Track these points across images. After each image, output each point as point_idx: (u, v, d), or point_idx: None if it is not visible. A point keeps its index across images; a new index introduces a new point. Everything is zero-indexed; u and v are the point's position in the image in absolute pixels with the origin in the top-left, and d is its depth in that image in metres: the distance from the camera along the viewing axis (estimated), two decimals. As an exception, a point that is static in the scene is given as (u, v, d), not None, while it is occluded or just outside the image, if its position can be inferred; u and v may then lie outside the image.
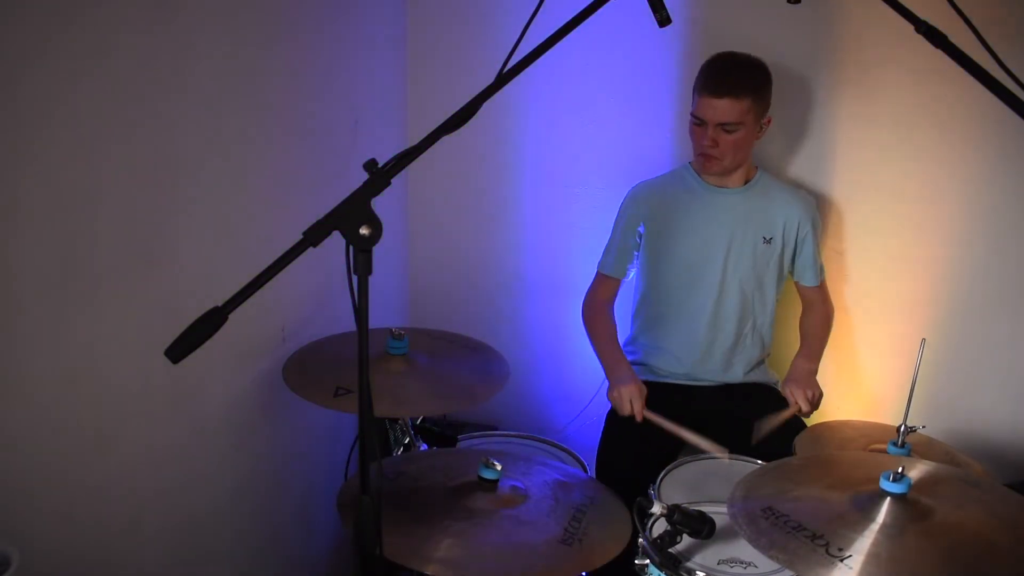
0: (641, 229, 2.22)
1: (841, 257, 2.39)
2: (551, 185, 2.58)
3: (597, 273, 2.30)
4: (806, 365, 2.18)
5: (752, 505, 1.37)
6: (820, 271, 2.27)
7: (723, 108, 2.03)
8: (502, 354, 1.95)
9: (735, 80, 2.05)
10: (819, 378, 2.18)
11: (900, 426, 1.67)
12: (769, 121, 2.12)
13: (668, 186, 2.23)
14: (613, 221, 2.29)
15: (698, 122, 2.08)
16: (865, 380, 2.42)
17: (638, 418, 2.04)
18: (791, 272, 2.26)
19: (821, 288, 2.29)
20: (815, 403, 2.07)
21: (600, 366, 2.21)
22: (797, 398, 2.06)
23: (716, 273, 2.18)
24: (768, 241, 2.18)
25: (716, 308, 2.19)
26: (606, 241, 2.29)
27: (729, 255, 2.17)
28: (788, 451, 1.82)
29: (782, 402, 2.16)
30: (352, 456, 2.14)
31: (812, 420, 2.09)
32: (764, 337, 2.27)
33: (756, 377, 2.26)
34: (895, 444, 1.67)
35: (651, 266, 2.24)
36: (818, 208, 2.25)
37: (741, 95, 2.03)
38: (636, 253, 2.26)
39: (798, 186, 2.32)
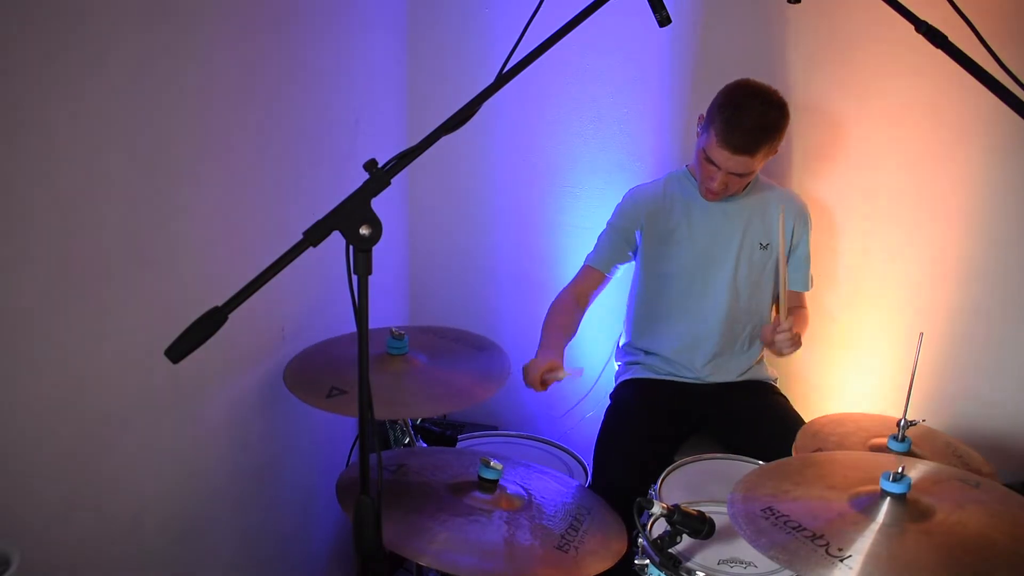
0: (638, 234, 2.21)
1: (839, 256, 2.39)
2: (551, 185, 2.58)
3: (584, 265, 2.27)
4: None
5: (752, 505, 1.37)
6: (809, 280, 2.26)
7: (740, 162, 2.00)
8: (503, 349, 1.94)
9: (757, 137, 1.98)
10: (819, 372, 2.19)
11: (900, 420, 1.66)
12: (776, 150, 2.08)
13: (666, 192, 2.23)
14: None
15: (710, 160, 2.03)
16: (865, 374, 2.42)
17: (534, 385, 1.95)
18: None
19: (803, 297, 2.28)
20: (793, 336, 2.00)
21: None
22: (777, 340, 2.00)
23: (714, 279, 2.18)
24: (764, 247, 2.18)
25: (714, 313, 2.19)
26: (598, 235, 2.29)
27: (727, 261, 2.17)
28: (788, 451, 1.82)
29: (780, 398, 2.17)
30: (352, 454, 2.14)
31: (811, 415, 2.10)
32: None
33: (754, 375, 2.26)
34: (895, 438, 1.67)
35: (648, 270, 2.24)
36: (809, 212, 2.24)
37: (759, 151, 1.99)
38: (631, 254, 2.25)
39: (792, 190, 2.31)
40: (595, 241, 2.28)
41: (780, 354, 2.03)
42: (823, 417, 1.96)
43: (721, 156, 2.00)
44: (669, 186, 2.23)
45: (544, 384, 1.95)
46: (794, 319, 2.14)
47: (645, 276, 2.25)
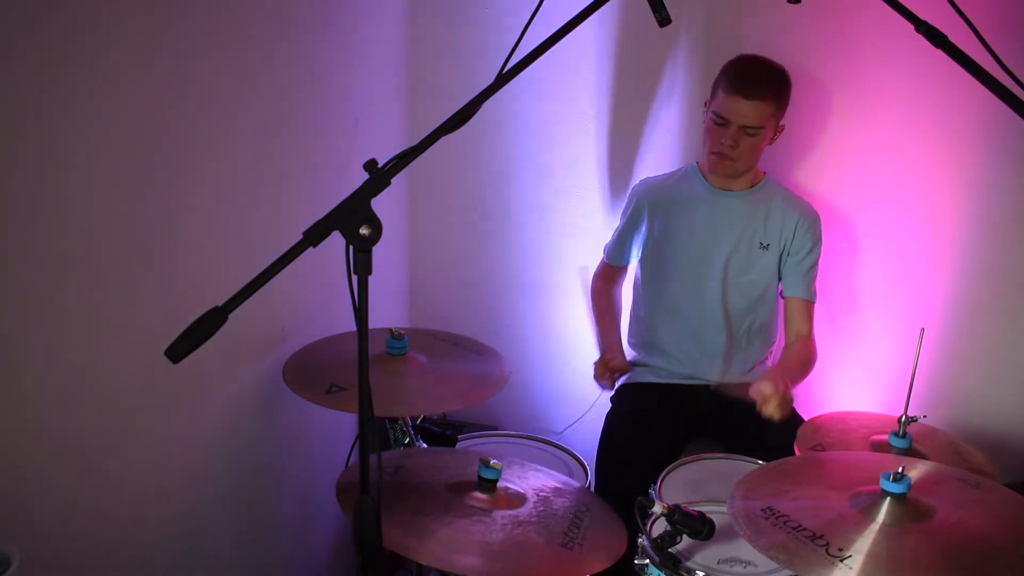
0: (644, 222, 2.23)
1: (841, 256, 2.39)
2: (551, 185, 2.58)
3: (604, 260, 2.40)
4: (780, 371, 2.05)
5: (752, 505, 1.37)
6: (810, 292, 2.20)
7: (751, 110, 2.03)
8: (502, 354, 1.95)
9: (766, 84, 2.05)
10: (820, 372, 2.18)
11: (901, 416, 1.67)
12: (783, 128, 2.13)
13: (673, 184, 2.25)
14: (615, 225, 2.34)
15: (720, 121, 2.06)
16: (867, 371, 2.42)
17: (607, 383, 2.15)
18: (781, 280, 2.23)
19: (807, 312, 2.20)
20: (782, 398, 1.87)
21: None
22: (762, 387, 1.86)
23: (713, 275, 2.18)
24: (765, 247, 2.17)
25: (713, 310, 2.19)
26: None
27: (726, 258, 2.17)
28: (789, 449, 1.82)
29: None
30: (352, 454, 2.14)
31: (812, 415, 2.10)
32: (765, 337, 2.27)
33: (756, 375, 2.25)
34: (896, 435, 1.67)
35: (650, 264, 2.24)
36: (820, 223, 2.20)
37: (768, 98, 2.04)
38: (639, 243, 2.27)
39: (804, 196, 2.27)
40: (601, 245, 2.31)
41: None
42: (824, 415, 1.95)
43: (733, 105, 2.03)
44: (676, 180, 2.25)
45: (613, 381, 2.16)
46: (786, 361, 2.15)
47: (644, 275, 2.26)
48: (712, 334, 2.20)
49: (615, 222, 2.35)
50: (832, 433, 1.82)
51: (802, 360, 2.16)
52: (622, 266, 2.37)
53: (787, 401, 1.89)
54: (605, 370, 2.14)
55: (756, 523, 1.32)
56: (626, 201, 2.32)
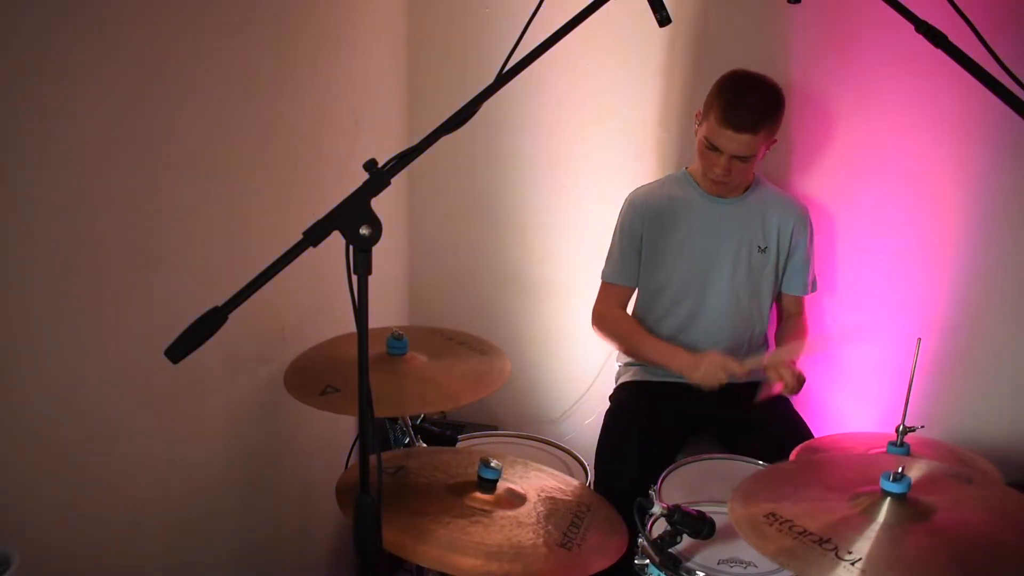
0: (643, 234, 2.21)
1: (837, 257, 2.39)
2: (551, 185, 2.58)
3: (601, 283, 2.28)
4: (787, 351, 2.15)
5: (754, 511, 1.36)
6: (811, 283, 2.26)
7: (743, 142, 2.01)
8: (503, 350, 1.94)
9: (758, 116, 2.01)
10: (819, 381, 2.18)
11: (899, 426, 1.66)
12: (775, 141, 2.12)
13: (666, 193, 2.22)
14: (614, 225, 2.28)
15: (711, 147, 2.05)
16: (863, 376, 2.42)
17: (740, 374, 2.00)
18: (781, 281, 2.26)
19: (802, 304, 2.28)
20: (799, 380, 2.02)
21: (655, 364, 2.20)
22: (782, 373, 1.99)
23: (713, 281, 2.18)
24: (763, 250, 2.18)
25: (713, 316, 2.19)
26: (608, 249, 2.28)
27: (725, 264, 2.17)
28: (789, 448, 1.82)
29: (780, 398, 2.16)
30: (352, 454, 2.14)
31: (810, 416, 2.09)
32: (764, 340, 2.28)
33: (754, 376, 2.25)
34: (894, 444, 1.67)
35: (648, 273, 2.24)
36: (810, 217, 2.24)
37: (759, 131, 2.01)
38: (640, 259, 2.25)
39: (792, 193, 2.31)
40: (601, 244, 2.28)
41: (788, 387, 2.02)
42: (825, 437, 1.96)
43: (724, 137, 2.01)
44: (669, 188, 2.23)
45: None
46: (788, 341, 2.21)
47: (645, 278, 2.25)
48: (713, 340, 2.20)
49: (614, 219, 2.30)
50: (831, 449, 1.83)
51: (799, 336, 2.25)
52: (631, 287, 2.26)
53: (801, 378, 2.02)
54: (728, 361, 2.02)
55: (761, 530, 1.31)
56: (621, 215, 2.25)
